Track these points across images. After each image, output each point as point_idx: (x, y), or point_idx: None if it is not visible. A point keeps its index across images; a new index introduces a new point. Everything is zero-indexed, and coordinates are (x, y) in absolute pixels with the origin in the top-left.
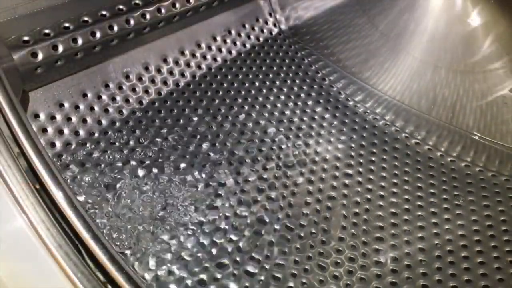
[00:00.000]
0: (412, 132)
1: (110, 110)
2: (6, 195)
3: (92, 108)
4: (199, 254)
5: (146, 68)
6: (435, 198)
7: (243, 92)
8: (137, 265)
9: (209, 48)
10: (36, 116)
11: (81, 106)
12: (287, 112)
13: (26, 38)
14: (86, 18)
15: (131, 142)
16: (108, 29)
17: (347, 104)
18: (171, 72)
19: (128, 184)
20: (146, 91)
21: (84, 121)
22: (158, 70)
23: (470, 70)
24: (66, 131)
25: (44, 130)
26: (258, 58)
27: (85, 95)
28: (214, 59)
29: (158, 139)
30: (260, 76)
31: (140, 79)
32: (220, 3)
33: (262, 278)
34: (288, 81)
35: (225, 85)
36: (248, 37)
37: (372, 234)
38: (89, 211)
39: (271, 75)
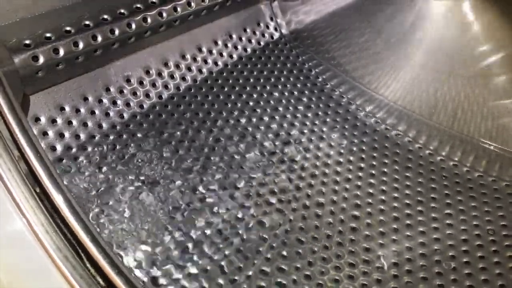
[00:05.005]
0: (413, 136)
1: (111, 113)
2: (6, 198)
3: (93, 112)
4: (199, 260)
5: (147, 72)
6: (436, 203)
7: (244, 96)
8: (136, 269)
9: (210, 52)
10: (37, 119)
11: (82, 110)
12: (288, 116)
13: (27, 41)
14: (87, 22)
15: (132, 146)
16: (109, 33)
17: (348, 108)
18: (172, 76)
19: (129, 188)
20: (147, 95)
21: (85, 124)
22: (159, 74)
23: (471, 75)
24: (66, 134)
25: (45, 134)
26: (260, 62)
27: (86, 98)
28: (215, 63)
29: (159, 143)
30: (262, 80)
31: (141, 83)
32: (221, 7)
33: (263, 284)
34: (289, 86)
35: (226, 89)
36: (249, 41)
37: (372, 239)
38: (89, 215)
39: (272, 80)
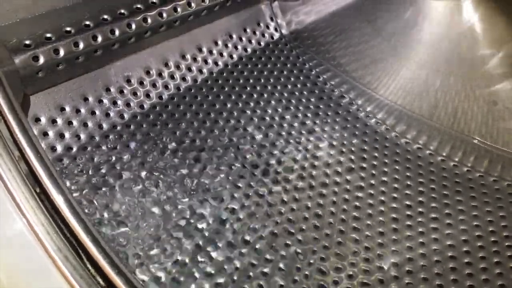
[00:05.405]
0: (414, 137)
1: (111, 114)
2: (6, 198)
3: (93, 112)
4: (200, 259)
5: (148, 72)
6: (437, 203)
7: (244, 96)
8: (137, 269)
9: (211, 52)
10: (37, 119)
11: (82, 110)
12: (288, 116)
13: (27, 41)
14: (87, 22)
15: (132, 146)
16: (109, 33)
17: (348, 109)
18: (172, 76)
19: (129, 188)
20: (147, 95)
21: (85, 125)
22: (160, 74)
23: (472, 75)
24: (67, 135)
25: (45, 134)
26: (260, 63)
27: (86, 99)
28: (216, 63)
29: (159, 143)
30: (262, 81)
31: (141, 83)
32: (221, 8)
33: (262, 283)
34: (290, 86)
35: (226, 89)
36: (250, 41)
37: (373, 239)
38: (89, 215)
39: (272, 80)
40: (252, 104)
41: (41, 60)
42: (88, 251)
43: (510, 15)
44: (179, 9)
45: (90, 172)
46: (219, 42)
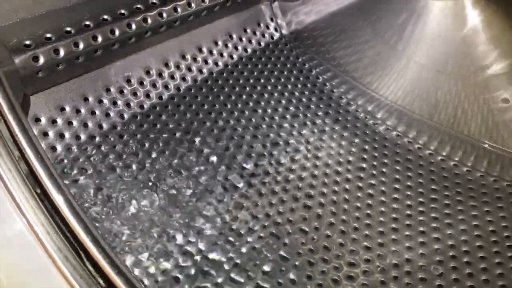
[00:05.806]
0: (414, 137)
1: (111, 114)
2: (6, 199)
3: (93, 112)
4: (200, 259)
5: (148, 72)
6: (437, 204)
7: (244, 97)
8: (137, 269)
9: (211, 52)
10: (37, 120)
11: (82, 110)
12: (288, 116)
13: (27, 42)
14: (87, 22)
15: (132, 146)
16: (109, 33)
17: (348, 109)
18: (172, 76)
19: (129, 188)
20: (148, 95)
21: (85, 125)
22: (160, 74)
23: (472, 75)
24: (67, 135)
25: (45, 134)
26: (260, 63)
27: (86, 99)
28: (216, 63)
29: (159, 143)
30: (262, 81)
31: (141, 83)
32: (222, 8)
33: (266, 285)
34: (289, 86)
35: (226, 89)
36: (250, 41)
37: (373, 239)
38: (89, 215)
39: (272, 80)
40: (251, 104)
41: (41, 60)
42: (88, 251)
43: (510, 15)
44: (179, 9)
45: (90, 172)
46: (219, 42)
